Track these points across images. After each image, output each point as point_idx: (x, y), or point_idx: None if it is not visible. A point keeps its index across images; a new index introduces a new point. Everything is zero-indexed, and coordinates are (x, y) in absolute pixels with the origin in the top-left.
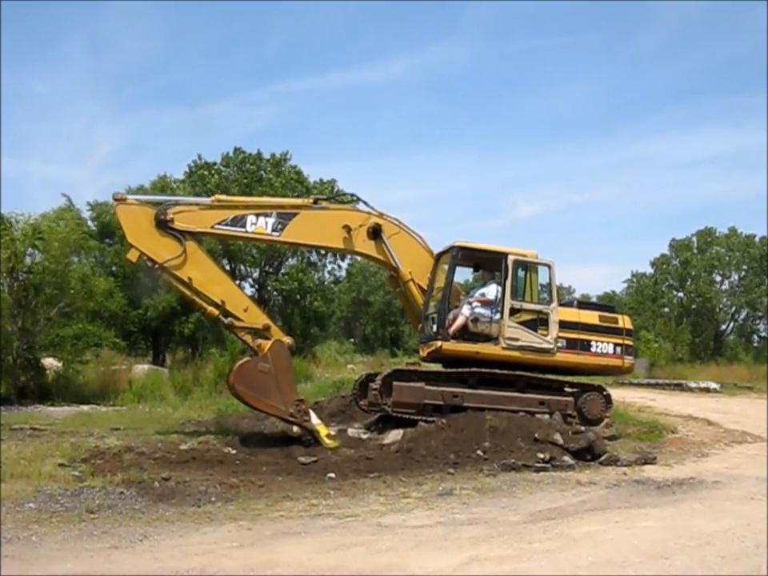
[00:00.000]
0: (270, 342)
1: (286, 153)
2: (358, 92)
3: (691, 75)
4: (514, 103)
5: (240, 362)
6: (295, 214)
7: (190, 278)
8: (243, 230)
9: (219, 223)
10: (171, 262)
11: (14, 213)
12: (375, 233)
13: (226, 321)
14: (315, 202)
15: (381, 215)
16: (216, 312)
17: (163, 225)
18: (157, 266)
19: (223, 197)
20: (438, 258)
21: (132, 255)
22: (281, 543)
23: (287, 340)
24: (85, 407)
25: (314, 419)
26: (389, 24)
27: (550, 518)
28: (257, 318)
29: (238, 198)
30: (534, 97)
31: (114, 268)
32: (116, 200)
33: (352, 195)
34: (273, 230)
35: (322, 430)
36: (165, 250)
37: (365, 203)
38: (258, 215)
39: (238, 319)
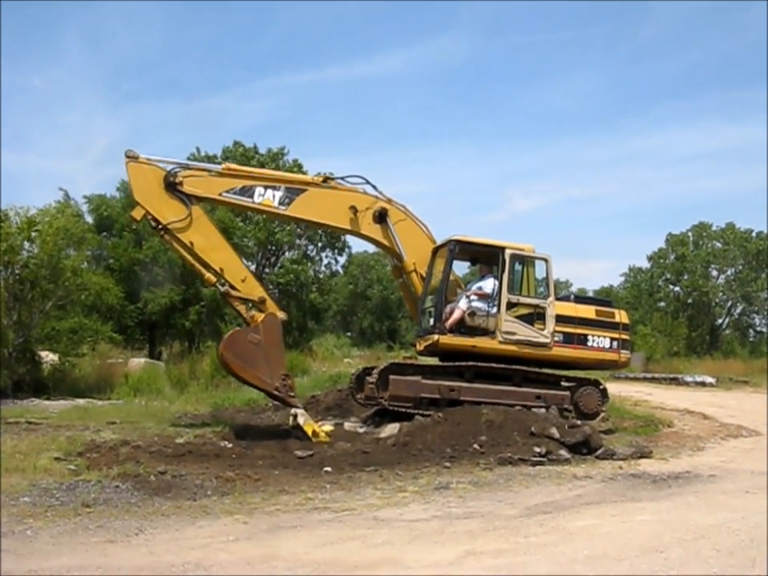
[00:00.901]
0: (263, 315)
1: (283, 147)
2: (357, 86)
3: (690, 70)
4: (512, 97)
5: (231, 331)
6: (303, 190)
7: (191, 242)
8: (250, 200)
9: (227, 191)
10: (175, 224)
11: (12, 206)
12: (381, 217)
13: (222, 289)
14: (325, 181)
15: (389, 201)
16: (213, 279)
17: (172, 187)
18: (160, 227)
19: (233, 165)
20: (436, 251)
21: (137, 213)
22: (277, 537)
23: (281, 315)
24: (81, 401)
25: (302, 416)
26: (387, 18)
27: (546, 511)
28: (253, 289)
29: (247, 168)
30: (533, 91)
31: (110, 261)
32: (128, 157)
33: (361, 178)
34: (280, 204)
35: (308, 428)
36: (170, 211)
37: (374, 187)
38: (266, 187)
39: (235, 288)
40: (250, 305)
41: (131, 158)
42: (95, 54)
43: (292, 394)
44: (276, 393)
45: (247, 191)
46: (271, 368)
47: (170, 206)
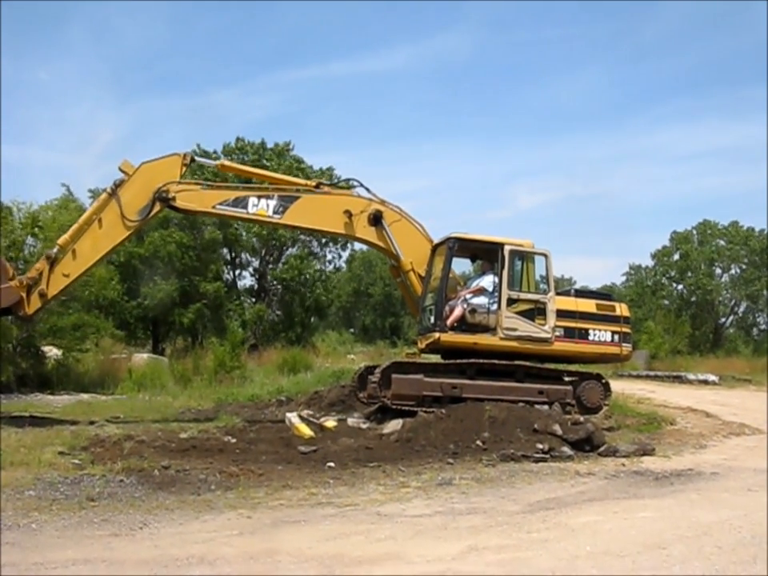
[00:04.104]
0: (20, 291)
1: (289, 143)
2: (361, 81)
3: (696, 67)
4: (517, 94)
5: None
6: (297, 198)
7: (100, 221)
8: (245, 211)
9: (221, 203)
10: (119, 205)
11: (15, 201)
12: (376, 219)
13: (52, 251)
14: (317, 186)
15: (382, 202)
16: (65, 244)
17: (164, 201)
18: (115, 188)
19: (227, 162)
20: (435, 249)
21: (127, 167)
22: (280, 531)
23: (25, 312)
24: (85, 396)
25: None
26: (393, 12)
27: (548, 508)
28: (54, 286)
29: (242, 167)
30: (538, 87)
31: (113, 256)
32: (184, 155)
33: (354, 181)
34: (274, 213)
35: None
36: (131, 198)
37: (367, 189)
38: (259, 197)
39: (53, 265)
40: (33, 283)
41: (185, 156)
42: (100, 48)
43: None
44: None
45: (241, 202)
46: None
47: (136, 199)
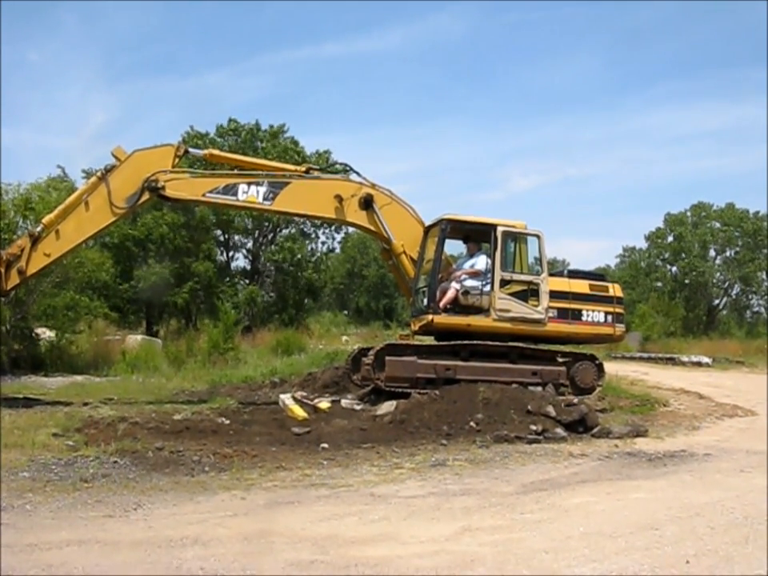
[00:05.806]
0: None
1: (283, 125)
2: (355, 62)
3: (690, 48)
4: (511, 75)
5: None
6: (287, 183)
7: (87, 204)
8: (234, 198)
9: (211, 191)
10: (108, 191)
11: (5, 183)
12: (367, 203)
13: (37, 230)
14: (307, 171)
15: (373, 186)
16: (49, 223)
17: (153, 190)
18: (106, 172)
19: (216, 151)
20: (427, 231)
21: (119, 153)
22: (274, 512)
23: (3, 285)
24: (78, 377)
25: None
26: None
27: (542, 489)
28: (33, 265)
29: (231, 155)
30: (532, 69)
31: (106, 239)
32: (186, 151)
33: (344, 165)
34: (264, 199)
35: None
36: (121, 188)
37: (357, 173)
38: (249, 184)
39: (35, 243)
40: (13, 259)
41: (178, 147)
42: (92, 29)
43: None
44: None
45: (230, 189)
46: None
47: (125, 186)
